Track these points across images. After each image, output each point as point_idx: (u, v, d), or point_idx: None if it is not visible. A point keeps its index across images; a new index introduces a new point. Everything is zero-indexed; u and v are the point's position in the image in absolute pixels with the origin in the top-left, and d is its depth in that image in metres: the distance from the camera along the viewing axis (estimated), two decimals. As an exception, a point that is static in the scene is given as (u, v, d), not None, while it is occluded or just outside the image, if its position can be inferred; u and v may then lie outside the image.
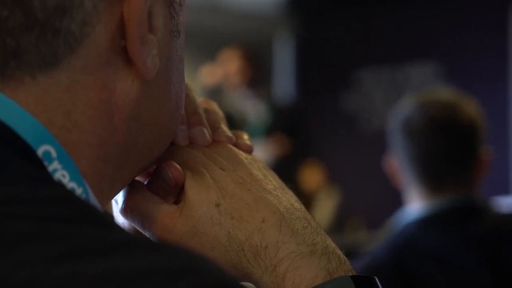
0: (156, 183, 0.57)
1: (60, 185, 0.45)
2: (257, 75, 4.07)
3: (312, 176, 4.33)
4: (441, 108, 1.59)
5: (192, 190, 0.56)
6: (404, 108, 1.64)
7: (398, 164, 1.63)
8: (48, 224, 0.40)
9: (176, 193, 0.57)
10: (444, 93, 1.80)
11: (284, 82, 6.08)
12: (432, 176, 1.57)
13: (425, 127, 1.57)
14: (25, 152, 0.45)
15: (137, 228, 0.57)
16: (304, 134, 4.33)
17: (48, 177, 0.45)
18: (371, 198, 5.14)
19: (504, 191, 4.33)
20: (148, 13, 0.48)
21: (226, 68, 3.98)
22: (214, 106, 0.64)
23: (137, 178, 0.57)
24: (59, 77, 0.46)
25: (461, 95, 1.69)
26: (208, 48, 5.59)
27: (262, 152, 3.79)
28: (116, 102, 0.48)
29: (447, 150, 1.58)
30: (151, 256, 0.39)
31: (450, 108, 1.58)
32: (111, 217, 0.56)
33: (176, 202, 0.57)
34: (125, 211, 0.57)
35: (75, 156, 0.47)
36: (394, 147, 1.64)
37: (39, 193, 0.42)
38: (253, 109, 4.06)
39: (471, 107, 1.61)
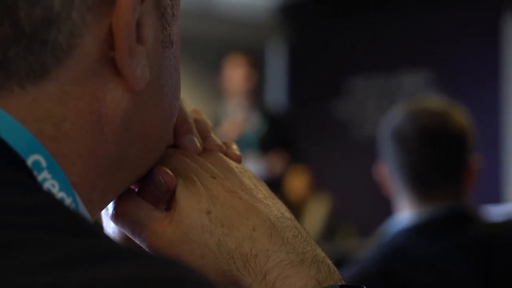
0: (147, 189, 0.57)
1: (48, 194, 0.45)
2: (259, 84, 4.14)
3: (302, 183, 4.33)
4: (431, 117, 1.59)
5: (183, 197, 0.56)
6: (394, 117, 1.65)
7: (388, 172, 1.63)
8: (34, 233, 0.40)
9: (167, 200, 0.57)
10: (435, 102, 1.81)
11: (276, 89, 6.09)
12: (422, 185, 1.58)
13: (415, 136, 1.58)
14: (14, 161, 0.45)
15: (128, 235, 0.57)
16: (296, 144, 4.35)
17: (37, 186, 0.45)
18: (363, 205, 5.14)
19: (496, 200, 4.34)
20: (137, 24, 0.48)
21: (232, 73, 4.02)
22: (203, 115, 0.64)
23: None
24: (49, 88, 0.46)
25: (451, 104, 1.70)
26: (200, 54, 5.60)
27: (257, 165, 3.82)
28: (106, 113, 0.48)
29: (436, 158, 1.59)
30: (139, 266, 0.39)
31: (440, 117, 1.59)
32: (99, 226, 0.56)
33: (167, 209, 0.57)
34: (115, 217, 0.57)
35: (66, 166, 0.47)
36: (384, 156, 1.65)
37: (26, 201, 0.42)
38: (248, 119, 4.08)
39: (461, 116, 1.62)
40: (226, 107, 4.15)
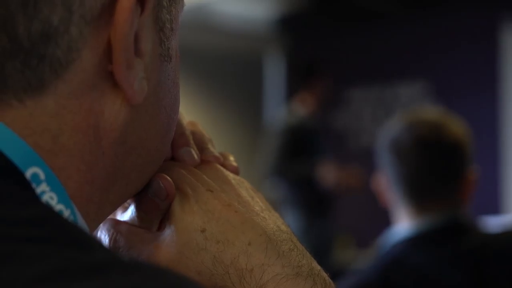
0: (145, 197, 0.57)
1: (46, 206, 0.45)
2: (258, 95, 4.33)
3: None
4: (428, 128, 1.60)
5: (178, 217, 0.56)
6: (391, 128, 1.65)
7: (386, 183, 1.64)
8: (30, 245, 0.40)
9: (164, 211, 0.57)
10: (431, 112, 1.81)
11: (274, 99, 6.10)
12: (419, 196, 1.58)
13: (412, 146, 1.58)
14: (13, 173, 0.45)
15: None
16: None
17: (35, 198, 0.45)
18: (361, 216, 5.14)
19: (494, 211, 4.34)
20: (135, 37, 0.48)
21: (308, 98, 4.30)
22: (200, 127, 0.64)
23: None
24: (46, 102, 0.46)
25: (448, 114, 1.71)
26: (199, 66, 5.61)
27: (331, 173, 3.97)
28: (103, 127, 0.48)
29: (433, 169, 1.59)
30: (135, 278, 0.39)
31: (437, 128, 1.60)
32: (97, 238, 0.56)
33: (159, 229, 0.57)
34: (109, 242, 0.57)
35: (62, 179, 0.47)
36: (382, 167, 1.65)
37: (23, 213, 0.42)
38: (319, 129, 4.34)
39: (457, 127, 1.62)
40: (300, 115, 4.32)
